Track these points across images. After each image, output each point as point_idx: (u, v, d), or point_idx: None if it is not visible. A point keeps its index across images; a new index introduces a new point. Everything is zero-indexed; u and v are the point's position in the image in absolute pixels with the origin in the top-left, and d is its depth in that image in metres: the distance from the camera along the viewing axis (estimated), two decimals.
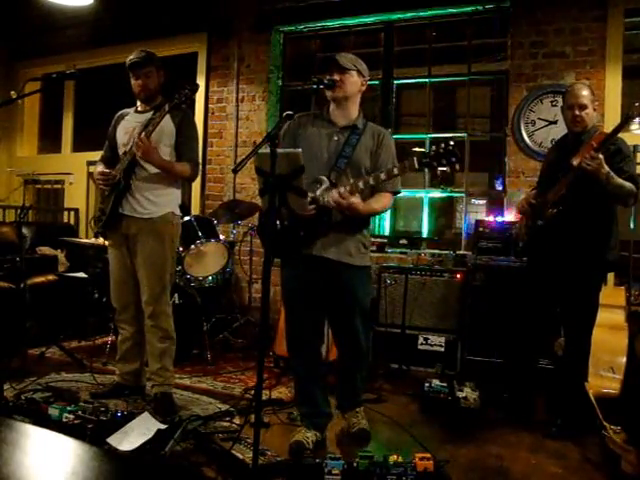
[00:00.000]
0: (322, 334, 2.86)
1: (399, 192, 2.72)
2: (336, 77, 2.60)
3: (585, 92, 2.88)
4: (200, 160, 5.30)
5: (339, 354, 2.85)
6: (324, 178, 2.57)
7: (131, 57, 3.05)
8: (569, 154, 2.86)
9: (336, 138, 2.66)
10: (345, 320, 2.72)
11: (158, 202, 3.04)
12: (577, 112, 2.86)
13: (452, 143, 2.39)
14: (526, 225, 3.07)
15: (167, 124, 3.01)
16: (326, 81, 2.61)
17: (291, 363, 2.87)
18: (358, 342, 2.73)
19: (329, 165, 2.61)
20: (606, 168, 2.65)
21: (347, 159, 2.61)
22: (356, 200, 2.51)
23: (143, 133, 2.89)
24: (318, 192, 2.54)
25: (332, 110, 2.72)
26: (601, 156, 2.64)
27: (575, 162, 2.76)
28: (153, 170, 3.01)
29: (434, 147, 2.42)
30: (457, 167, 2.41)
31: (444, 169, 2.41)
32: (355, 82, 2.66)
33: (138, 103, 3.16)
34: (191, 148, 3.09)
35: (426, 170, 2.50)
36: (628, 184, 2.72)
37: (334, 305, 2.72)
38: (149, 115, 3.02)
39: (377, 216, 4.57)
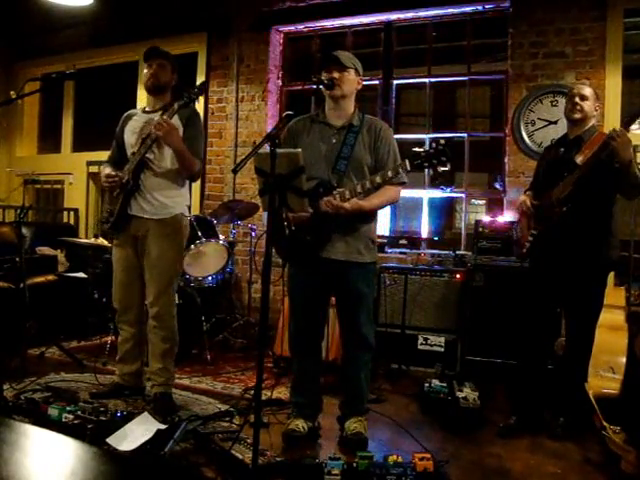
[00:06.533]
0: (323, 332, 2.91)
1: (405, 183, 2.73)
2: (335, 75, 2.63)
3: (588, 89, 2.97)
4: None
5: (344, 355, 2.86)
6: (326, 182, 2.60)
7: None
8: (570, 153, 2.88)
9: (334, 140, 2.68)
10: (352, 316, 2.74)
11: (168, 203, 3.03)
12: (577, 100, 2.91)
13: (442, 142, 2.45)
14: (528, 227, 3.01)
15: (175, 122, 2.99)
16: (326, 81, 2.63)
17: (292, 358, 2.90)
18: (364, 337, 2.74)
19: (330, 169, 2.63)
20: (631, 151, 2.67)
21: (347, 160, 2.63)
22: (349, 204, 2.54)
23: (165, 115, 2.88)
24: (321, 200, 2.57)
25: (328, 111, 2.74)
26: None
27: (579, 160, 2.79)
28: (162, 171, 3.00)
29: (425, 147, 2.46)
30: (448, 166, 2.46)
31: (439, 169, 2.45)
32: (353, 80, 2.69)
33: (146, 103, 3.15)
34: (197, 146, 3.07)
35: (426, 170, 2.53)
36: None
37: (342, 302, 2.77)
38: (157, 115, 2.99)
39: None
